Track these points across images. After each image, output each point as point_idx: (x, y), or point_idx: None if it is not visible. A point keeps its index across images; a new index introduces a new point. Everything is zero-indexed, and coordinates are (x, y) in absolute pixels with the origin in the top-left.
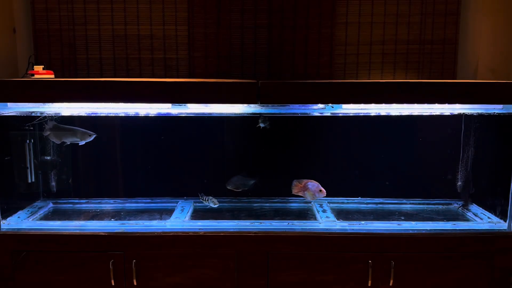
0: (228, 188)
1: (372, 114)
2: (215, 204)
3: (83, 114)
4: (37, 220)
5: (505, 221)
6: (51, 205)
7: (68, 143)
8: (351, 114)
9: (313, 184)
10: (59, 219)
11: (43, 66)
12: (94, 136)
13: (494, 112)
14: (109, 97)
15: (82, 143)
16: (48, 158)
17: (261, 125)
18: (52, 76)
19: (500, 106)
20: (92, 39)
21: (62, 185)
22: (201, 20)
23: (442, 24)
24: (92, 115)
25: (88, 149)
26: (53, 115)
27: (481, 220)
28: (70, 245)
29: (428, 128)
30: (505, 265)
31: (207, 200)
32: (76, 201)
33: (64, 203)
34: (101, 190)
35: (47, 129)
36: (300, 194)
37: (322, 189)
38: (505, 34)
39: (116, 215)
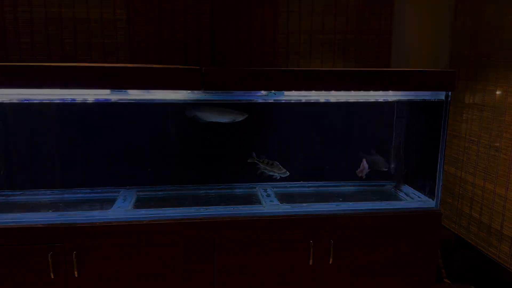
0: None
1: (312, 101)
2: (280, 171)
3: (15, 101)
4: None
5: (433, 199)
6: None
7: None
8: (292, 101)
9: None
10: None
11: None
12: (246, 115)
13: (424, 99)
14: (44, 83)
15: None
16: None
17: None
18: None
19: (429, 92)
20: (23, 22)
21: None
22: (141, 4)
23: (378, 15)
24: (25, 101)
25: (22, 138)
26: None
27: (412, 199)
28: (4, 238)
29: (364, 114)
30: (434, 240)
31: (269, 165)
32: (10, 193)
33: None
34: (37, 181)
35: (198, 111)
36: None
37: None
38: (433, 25)
39: (54, 206)
